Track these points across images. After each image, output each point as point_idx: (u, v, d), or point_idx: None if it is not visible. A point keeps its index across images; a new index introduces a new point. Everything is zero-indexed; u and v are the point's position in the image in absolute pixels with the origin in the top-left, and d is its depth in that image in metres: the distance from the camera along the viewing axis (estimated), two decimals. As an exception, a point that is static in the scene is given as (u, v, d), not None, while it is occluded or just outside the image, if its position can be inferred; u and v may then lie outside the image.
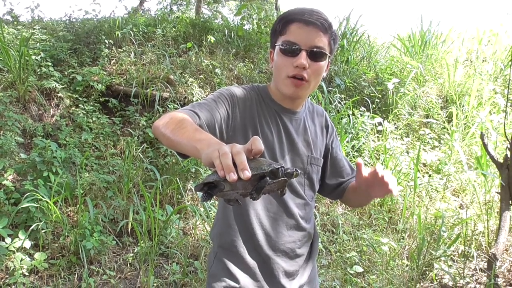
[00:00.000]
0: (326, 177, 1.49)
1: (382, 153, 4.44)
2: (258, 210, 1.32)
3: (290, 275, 1.38)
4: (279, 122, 1.34)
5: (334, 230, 3.60)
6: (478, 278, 3.09)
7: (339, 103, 5.01)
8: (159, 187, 3.30)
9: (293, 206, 1.36)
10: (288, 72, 1.24)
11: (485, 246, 3.40)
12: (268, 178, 0.79)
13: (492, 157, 3.14)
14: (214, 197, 0.84)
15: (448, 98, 5.68)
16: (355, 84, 5.46)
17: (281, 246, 1.35)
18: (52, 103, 4.25)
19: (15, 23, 5.63)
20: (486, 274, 2.99)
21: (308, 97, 1.44)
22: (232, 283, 1.32)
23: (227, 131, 1.25)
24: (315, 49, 1.22)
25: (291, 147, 1.34)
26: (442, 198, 4.10)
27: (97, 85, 4.38)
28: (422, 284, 3.06)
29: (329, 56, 1.28)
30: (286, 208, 1.35)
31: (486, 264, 3.10)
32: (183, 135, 0.97)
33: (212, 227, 1.44)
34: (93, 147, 3.89)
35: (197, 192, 3.59)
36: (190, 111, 1.16)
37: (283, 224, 1.35)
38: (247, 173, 0.71)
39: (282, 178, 0.82)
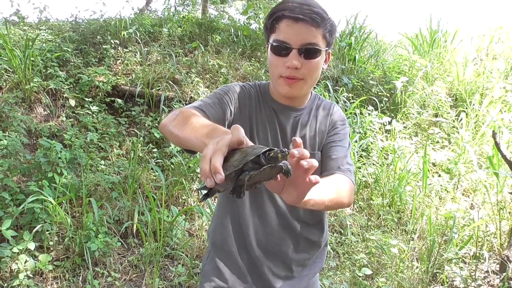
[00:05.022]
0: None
1: (391, 153, 4.37)
2: (251, 209, 1.28)
3: (282, 278, 1.33)
4: (276, 121, 1.30)
5: (342, 231, 3.54)
6: (490, 280, 3.02)
7: (345, 102, 4.94)
8: (164, 188, 3.27)
9: (285, 207, 1.30)
10: (281, 72, 1.19)
11: (497, 248, 3.32)
12: (247, 172, 0.73)
13: (504, 156, 3.07)
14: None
15: (457, 96, 5.59)
16: (362, 83, 5.40)
17: (272, 249, 1.31)
18: (57, 104, 4.24)
19: (21, 24, 5.63)
20: (499, 277, 2.92)
21: (312, 91, 1.38)
22: (221, 283, 1.30)
23: (228, 127, 1.23)
24: (307, 47, 1.15)
25: (285, 145, 1.30)
26: (453, 198, 4.02)
27: (103, 85, 4.36)
28: (432, 286, 2.99)
29: (326, 50, 1.21)
30: (278, 208, 1.30)
31: (498, 266, 3.03)
32: (191, 132, 0.94)
33: (210, 224, 1.42)
34: (98, 148, 3.87)
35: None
36: (197, 108, 1.13)
37: (275, 226, 1.30)
38: (220, 176, 0.67)
39: (267, 166, 0.73)
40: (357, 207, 3.89)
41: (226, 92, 1.26)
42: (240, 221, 1.29)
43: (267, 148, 0.73)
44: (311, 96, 1.37)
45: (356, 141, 4.39)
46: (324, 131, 1.35)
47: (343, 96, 4.98)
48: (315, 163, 0.75)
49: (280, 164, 0.75)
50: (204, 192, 0.84)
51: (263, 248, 1.30)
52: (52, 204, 2.86)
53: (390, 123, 4.80)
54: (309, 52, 1.16)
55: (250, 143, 0.78)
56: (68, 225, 2.92)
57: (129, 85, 4.65)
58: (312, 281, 1.42)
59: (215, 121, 1.14)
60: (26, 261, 2.62)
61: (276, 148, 0.74)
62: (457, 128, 4.98)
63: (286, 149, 0.73)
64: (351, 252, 3.25)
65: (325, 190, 1.05)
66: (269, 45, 1.21)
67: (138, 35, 5.42)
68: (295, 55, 1.15)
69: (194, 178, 3.75)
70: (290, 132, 1.30)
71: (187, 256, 3.02)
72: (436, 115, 5.26)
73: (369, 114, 4.81)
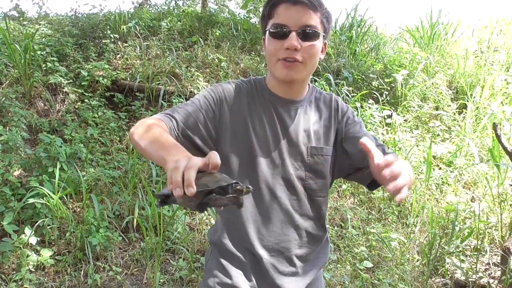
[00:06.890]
0: (336, 165, 1.34)
1: (392, 146, 4.36)
2: (250, 207, 1.26)
3: (287, 275, 1.31)
4: (274, 113, 1.28)
5: (343, 224, 3.55)
6: (492, 272, 3.03)
7: (347, 95, 4.93)
8: (161, 183, 3.27)
9: (288, 202, 1.28)
10: (279, 55, 1.18)
11: (498, 240, 3.32)
12: (215, 194, 0.82)
13: (505, 148, 3.06)
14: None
15: (458, 89, 5.58)
16: (363, 76, 5.38)
17: (275, 246, 1.29)
18: (57, 99, 4.24)
19: (21, 19, 5.61)
20: (500, 269, 2.92)
21: (310, 84, 1.37)
22: (225, 279, 1.28)
23: (215, 130, 1.23)
24: (305, 29, 1.16)
25: (287, 139, 1.27)
26: (453, 191, 4.02)
27: (103, 80, 4.36)
28: (433, 279, 3.00)
29: (324, 36, 1.21)
30: (280, 204, 1.28)
31: (499, 258, 3.03)
32: (153, 146, 0.99)
33: (213, 225, 1.42)
34: (98, 142, 3.87)
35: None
36: (168, 115, 1.16)
37: (278, 222, 1.28)
38: (192, 190, 0.75)
39: (232, 195, 0.84)
40: (357, 200, 3.89)
41: (209, 93, 1.26)
42: (241, 221, 1.27)
43: (235, 181, 0.84)
44: (309, 88, 1.35)
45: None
46: (329, 125, 1.33)
47: (344, 89, 4.96)
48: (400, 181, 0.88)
49: (241, 197, 0.86)
50: (159, 199, 0.93)
51: (266, 245, 1.28)
52: (53, 199, 2.87)
53: (390, 116, 4.78)
54: (307, 34, 1.16)
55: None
56: (69, 219, 2.93)
57: (129, 79, 4.64)
58: (316, 277, 1.41)
59: (190, 127, 1.18)
60: (28, 256, 2.63)
61: (241, 184, 0.85)
62: (457, 121, 4.97)
63: (251, 187, 0.85)
64: (351, 246, 3.26)
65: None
66: (267, 31, 1.21)
67: (138, 29, 5.40)
68: (294, 37, 1.16)
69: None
70: (291, 125, 1.28)
71: (187, 250, 3.02)
72: (436, 108, 5.25)
73: (369, 107, 4.80)
